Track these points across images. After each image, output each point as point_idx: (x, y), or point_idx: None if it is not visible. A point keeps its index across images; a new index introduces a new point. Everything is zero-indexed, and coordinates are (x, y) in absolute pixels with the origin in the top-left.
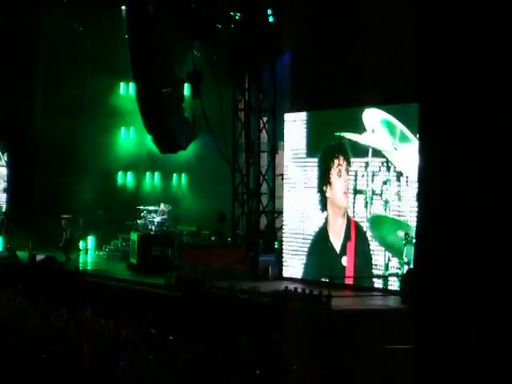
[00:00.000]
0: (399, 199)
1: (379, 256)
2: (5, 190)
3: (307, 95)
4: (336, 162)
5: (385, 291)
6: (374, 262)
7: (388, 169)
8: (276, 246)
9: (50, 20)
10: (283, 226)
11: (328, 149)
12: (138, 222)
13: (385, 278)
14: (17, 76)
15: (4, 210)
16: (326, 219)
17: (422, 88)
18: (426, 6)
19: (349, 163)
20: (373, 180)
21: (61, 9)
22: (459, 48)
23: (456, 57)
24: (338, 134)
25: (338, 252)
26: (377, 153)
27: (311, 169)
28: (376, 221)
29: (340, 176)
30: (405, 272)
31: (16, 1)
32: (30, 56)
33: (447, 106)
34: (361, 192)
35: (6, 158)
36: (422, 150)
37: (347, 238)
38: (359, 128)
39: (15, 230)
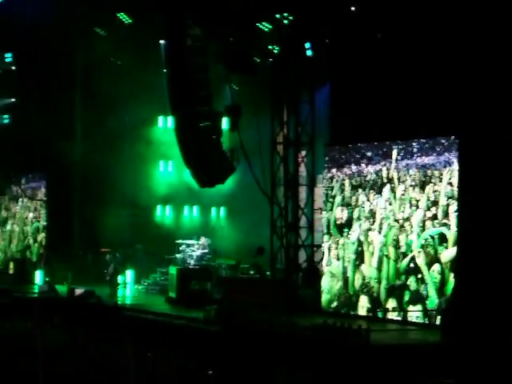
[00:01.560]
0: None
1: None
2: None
3: (346, 129)
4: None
5: (425, 325)
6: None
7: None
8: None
9: (89, 54)
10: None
11: None
12: (177, 256)
13: (424, 311)
14: (56, 111)
15: (44, 243)
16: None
17: (462, 120)
18: (464, 38)
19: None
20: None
21: (101, 43)
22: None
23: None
24: None
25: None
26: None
27: None
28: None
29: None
30: (445, 306)
31: (57, 35)
32: (70, 89)
33: (486, 137)
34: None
35: (44, 190)
36: (463, 184)
37: None
38: None
39: (55, 264)
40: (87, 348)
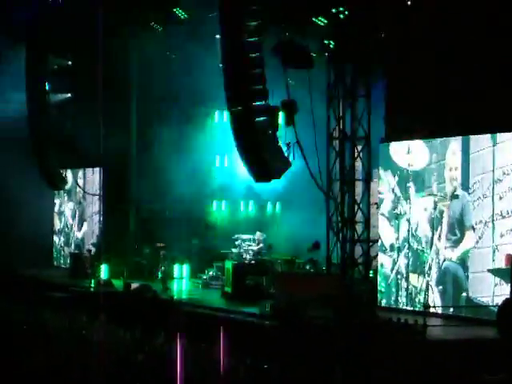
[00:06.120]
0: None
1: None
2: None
3: (402, 123)
4: None
5: (482, 321)
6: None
7: None
8: (371, 275)
9: (145, 48)
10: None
11: None
12: (233, 250)
13: (481, 307)
14: (112, 106)
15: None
16: None
17: None
18: None
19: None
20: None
21: (157, 38)
22: None
23: None
24: None
25: None
26: None
27: None
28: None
29: None
30: (501, 302)
31: (113, 31)
32: (126, 83)
33: None
34: None
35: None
36: None
37: None
38: None
39: (111, 258)
40: (143, 342)
